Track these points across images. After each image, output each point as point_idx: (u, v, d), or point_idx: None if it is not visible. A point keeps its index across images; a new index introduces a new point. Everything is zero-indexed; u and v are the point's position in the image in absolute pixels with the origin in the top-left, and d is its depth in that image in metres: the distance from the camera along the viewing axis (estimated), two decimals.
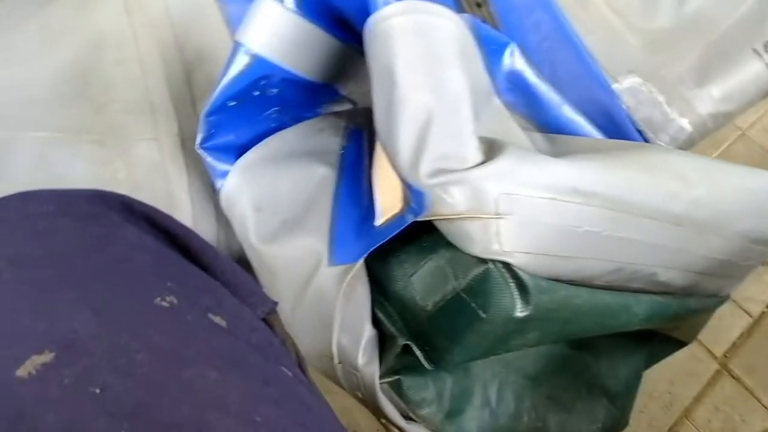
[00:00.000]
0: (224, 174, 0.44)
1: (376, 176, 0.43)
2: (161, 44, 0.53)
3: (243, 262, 0.45)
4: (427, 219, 0.35)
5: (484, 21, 0.70)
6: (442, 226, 0.36)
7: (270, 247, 0.41)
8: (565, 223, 0.36)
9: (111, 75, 0.49)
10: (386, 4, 0.38)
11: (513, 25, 0.69)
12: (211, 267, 0.23)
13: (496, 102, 0.46)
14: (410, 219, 0.36)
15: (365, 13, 0.40)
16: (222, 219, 0.45)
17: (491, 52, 0.47)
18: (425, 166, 0.35)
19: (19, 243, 0.20)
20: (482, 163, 0.35)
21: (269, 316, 0.24)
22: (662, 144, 0.62)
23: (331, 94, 0.50)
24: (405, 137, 0.36)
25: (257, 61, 0.42)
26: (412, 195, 0.37)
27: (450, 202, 0.35)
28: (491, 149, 0.37)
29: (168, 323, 0.19)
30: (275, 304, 0.25)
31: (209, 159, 0.44)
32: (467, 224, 0.34)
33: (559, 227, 0.36)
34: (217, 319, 0.21)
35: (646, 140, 0.63)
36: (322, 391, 0.32)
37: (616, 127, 0.63)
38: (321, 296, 0.38)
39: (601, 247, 0.38)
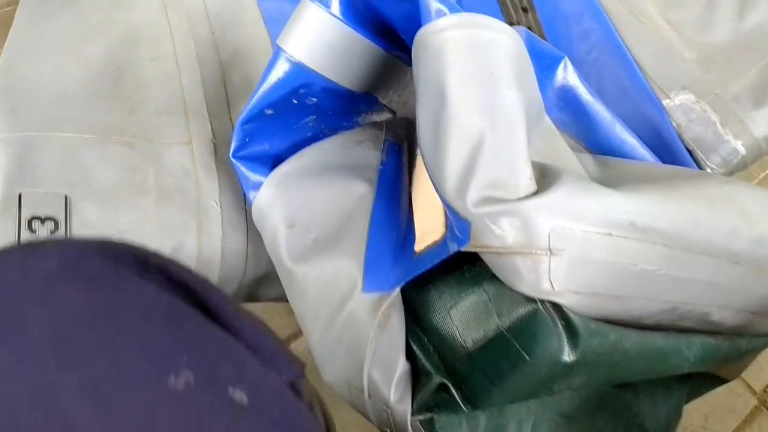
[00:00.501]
0: (257, 185, 0.42)
1: (416, 196, 0.41)
2: (197, 40, 0.51)
3: (272, 277, 0.43)
4: (471, 251, 0.33)
5: (530, 27, 0.67)
6: (488, 259, 0.33)
7: (301, 267, 0.39)
8: (620, 261, 0.34)
9: (145, 72, 0.47)
10: (440, 16, 0.36)
11: (560, 33, 0.66)
12: (232, 326, 0.21)
13: (547, 121, 0.43)
14: (453, 248, 0.34)
15: (414, 23, 0.38)
16: (252, 231, 0.44)
17: (543, 66, 0.44)
18: (473, 194, 0.33)
19: (17, 310, 0.18)
20: (535, 193, 0.33)
21: (296, 381, 0.22)
22: (713, 166, 0.59)
23: (370, 103, 0.48)
24: (453, 160, 0.34)
25: (298, 69, 0.40)
26: (456, 222, 0.34)
27: (498, 235, 0.32)
28: (544, 177, 0.34)
29: (182, 410, 0.17)
30: (302, 367, 0.23)
31: (243, 169, 0.42)
32: (516, 259, 0.32)
33: (614, 265, 0.34)
34: (237, 395, 0.19)
35: (696, 160, 0.59)
36: (333, 409, 0.30)
37: (664, 145, 0.60)
38: (353, 324, 0.36)
39: (656, 287, 0.36)
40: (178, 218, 0.42)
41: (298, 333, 0.60)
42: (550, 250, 0.32)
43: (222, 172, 0.45)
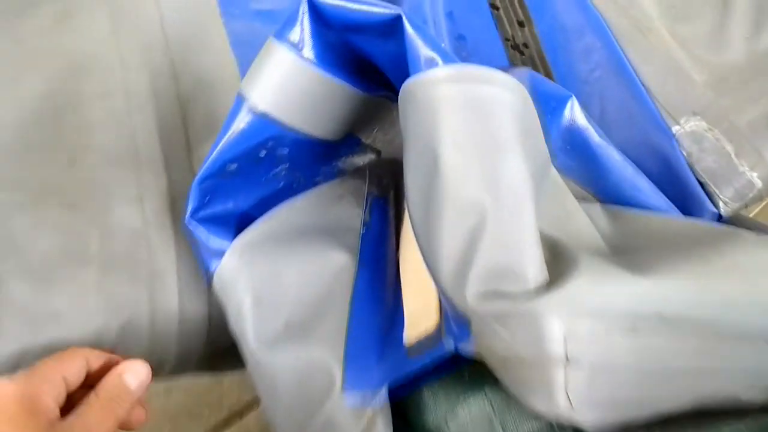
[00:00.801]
0: (219, 253, 0.36)
1: (404, 263, 0.36)
2: (152, 72, 0.44)
3: (237, 355, 0.37)
4: (473, 355, 0.28)
5: (525, 44, 0.61)
6: (492, 364, 0.28)
7: (270, 355, 0.33)
8: (647, 362, 0.29)
9: (90, 113, 0.41)
10: (431, 66, 0.30)
11: (560, 50, 0.61)
12: None
13: (553, 173, 0.38)
14: (449, 347, 0.29)
15: (401, 62, 0.32)
16: (215, 301, 0.38)
17: (549, 109, 0.38)
18: (474, 286, 0.27)
19: None
20: (547, 285, 0.27)
21: None
22: (726, 199, 0.54)
23: (352, 145, 0.42)
24: (449, 242, 0.28)
25: (264, 121, 0.34)
26: (454, 315, 0.29)
27: (504, 338, 0.27)
28: (556, 261, 0.29)
29: None
30: None
31: (202, 233, 0.36)
32: (525, 368, 0.27)
33: (640, 368, 0.28)
34: None
35: (708, 194, 0.54)
36: None
37: (674, 176, 0.54)
38: (332, 430, 0.30)
39: (684, 383, 0.31)
40: (126, 291, 0.36)
41: None
42: (566, 357, 0.26)
43: (180, 233, 0.39)
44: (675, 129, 0.56)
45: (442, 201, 0.29)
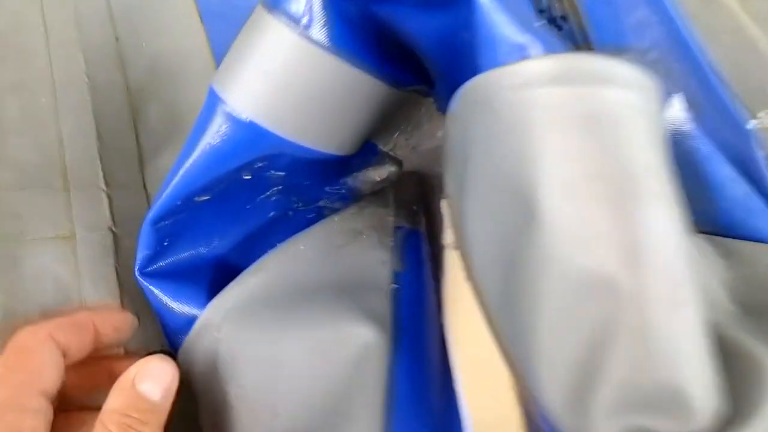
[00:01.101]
0: (187, 322, 0.25)
1: (456, 340, 0.25)
2: (90, 54, 0.33)
3: None
4: None
5: (564, 17, 0.50)
6: None
7: None
8: None
9: (2, 115, 0.29)
10: (519, 56, 0.19)
11: (606, 24, 0.50)
12: None
13: None
14: None
15: (450, 43, 0.22)
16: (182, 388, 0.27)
17: None
18: (604, 417, 0.17)
19: None
20: (725, 418, 0.17)
21: None
22: None
23: (366, 155, 0.31)
24: (557, 344, 0.18)
25: (252, 133, 0.22)
26: None
27: None
28: (730, 367, 0.18)
29: None
30: None
31: (159, 295, 0.25)
32: None
33: None
34: None
35: None
36: None
37: (751, 179, 0.45)
38: None
39: None
40: None
41: None
42: None
43: (130, 284, 0.27)
44: (751, 124, 0.46)
45: (543, 273, 0.18)
